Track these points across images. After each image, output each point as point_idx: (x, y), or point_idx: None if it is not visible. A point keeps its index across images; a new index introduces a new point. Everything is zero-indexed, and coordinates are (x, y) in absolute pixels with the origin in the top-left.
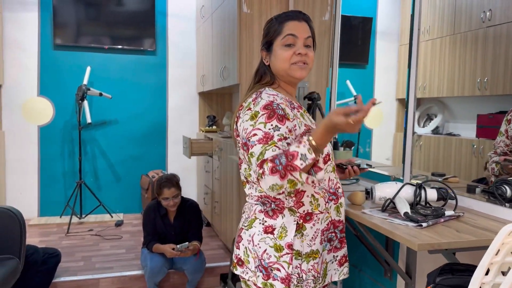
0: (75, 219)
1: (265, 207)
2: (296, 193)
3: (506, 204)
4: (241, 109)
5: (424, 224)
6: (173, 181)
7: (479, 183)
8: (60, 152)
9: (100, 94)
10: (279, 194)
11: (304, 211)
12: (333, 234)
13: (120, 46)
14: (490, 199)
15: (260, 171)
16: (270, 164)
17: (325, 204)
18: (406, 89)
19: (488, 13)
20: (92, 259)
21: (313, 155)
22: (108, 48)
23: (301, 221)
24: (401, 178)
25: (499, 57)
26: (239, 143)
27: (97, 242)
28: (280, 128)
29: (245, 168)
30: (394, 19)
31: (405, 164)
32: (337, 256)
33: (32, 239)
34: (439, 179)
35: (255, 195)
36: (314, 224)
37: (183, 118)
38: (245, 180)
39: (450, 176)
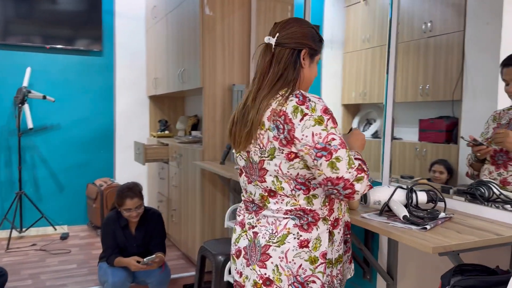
0: (15, 233)
1: (300, 221)
2: (328, 200)
3: (486, 203)
4: (281, 115)
5: (428, 227)
6: (135, 191)
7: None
8: None
9: (44, 97)
10: (352, 198)
11: (333, 217)
12: (348, 236)
13: (62, 46)
14: (468, 199)
15: (361, 175)
16: (365, 168)
17: (343, 208)
18: (384, 93)
19: (429, 24)
20: (40, 276)
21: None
22: (50, 48)
23: (331, 228)
24: (379, 181)
25: (439, 65)
26: (297, 147)
27: (43, 257)
28: (340, 133)
29: (273, 181)
30: (339, 28)
31: (384, 168)
32: (349, 256)
33: None
34: (413, 181)
35: (285, 209)
36: (340, 230)
37: (132, 122)
38: (271, 194)
39: (418, 178)
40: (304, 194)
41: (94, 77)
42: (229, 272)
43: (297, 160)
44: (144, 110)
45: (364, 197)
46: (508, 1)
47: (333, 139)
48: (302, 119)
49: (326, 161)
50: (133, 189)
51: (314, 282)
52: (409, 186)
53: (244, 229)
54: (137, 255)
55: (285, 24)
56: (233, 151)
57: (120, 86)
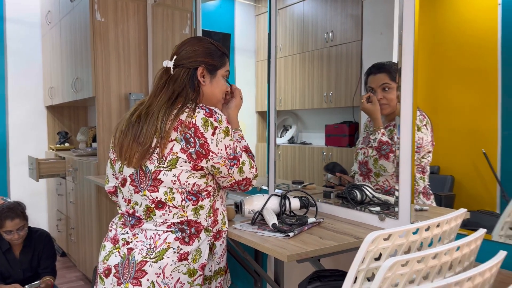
0: None
1: (182, 234)
2: (213, 211)
3: (358, 207)
4: (190, 127)
5: (291, 234)
6: (17, 211)
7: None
8: None
9: None
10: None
11: (216, 229)
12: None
13: None
14: (344, 203)
15: (257, 173)
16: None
17: (226, 219)
18: (267, 102)
19: (330, 34)
20: None
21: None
22: None
23: (213, 240)
24: (266, 188)
25: (340, 73)
26: (212, 161)
27: None
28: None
29: (165, 191)
30: (250, 37)
31: (270, 175)
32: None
33: None
34: (299, 187)
35: (171, 222)
36: (223, 242)
37: (28, 135)
38: (159, 206)
39: (307, 183)
40: (193, 205)
41: None
42: None
43: (201, 172)
44: (41, 121)
45: (240, 207)
46: (396, 14)
47: (237, 146)
48: (214, 133)
49: (237, 168)
50: (13, 209)
51: None
52: (282, 193)
53: (116, 245)
54: (24, 280)
55: (181, 45)
56: (112, 158)
57: (13, 96)
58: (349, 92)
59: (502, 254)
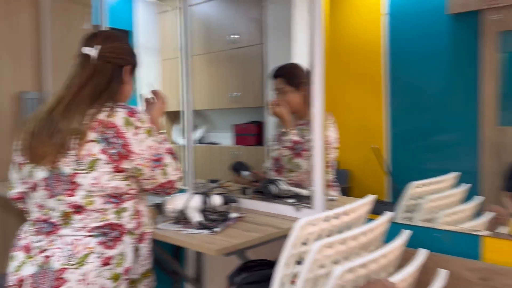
0: None
1: (105, 238)
2: (137, 213)
3: (274, 200)
4: (110, 127)
5: (217, 230)
6: None
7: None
8: None
9: None
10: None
11: (140, 232)
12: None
13: None
14: (262, 198)
15: (181, 175)
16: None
17: (149, 221)
18: (181, 102)
19: (236, 36)
20: None
21: None
22: None
23: (137, 242)
24: (184, 188)
25: (246, 74)
26: (135, 162)
27: None
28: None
29: (84, 195)
30: (153, 35)
31: (188, 174)
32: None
33: None
34: (217, 185)
35: (91, 226)
36: (147, 244)
37: None
38: (77, 210)
39: (224, 181)
40: (114, 208)
41: None
42: None
43: (123, 174)
44: None
45: (161, 207)
46: (294, 19)
47: (160, 147)
48: (136, 133)
49: (161, 169)
50: None
51: None
52: (204, 191)
53: (29, 254)
54: None
55: (107, 37)
56: (18, 161)
57: None
58: (256, 93)
59: (406, 232)
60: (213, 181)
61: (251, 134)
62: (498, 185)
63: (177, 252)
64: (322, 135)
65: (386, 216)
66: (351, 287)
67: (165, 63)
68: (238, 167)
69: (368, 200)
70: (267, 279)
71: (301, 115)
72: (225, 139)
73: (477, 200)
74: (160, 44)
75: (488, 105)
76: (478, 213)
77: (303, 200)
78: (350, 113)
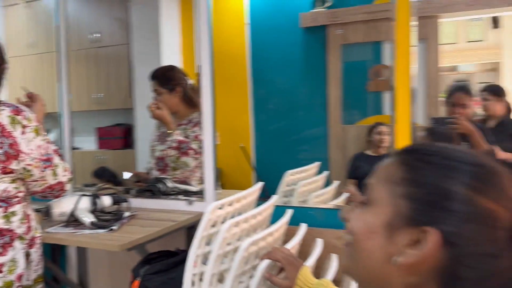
0: None
1: None
2: (26, 217)
3: (164, 197)
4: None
5: (115, 228)
6: None
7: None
8: None
9: None
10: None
11: (31, 236)
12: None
13: None
14: (151, 196)
15: (70, 176)
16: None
17: (38, 225)
18: (59, 103)
19: (98, 35)
20: None
21: None
22: None
23: (28, 248)
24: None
25: (111, 75)
26: (24, 162)
27: None
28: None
29: None
30: None
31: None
32: None
33: None
34: (96, 188)
35: None
36: (38, 248)
37: None
38: None
39: (102, 184)
40: (3, 212)
41: None
42: None
43: (11, 175)
44: None
45: (47, 211)
46: (162, 21)
47: (49, 147)
48: (23, 132)
49: (51, 170)
50: None
51: None
52: (92, 193)
53: None
54: None
55: None
56: None
57: None
58: (122, 94)
59: (289, 211)
60: (89, 185)
61: (117, 137)
62: (345, 173)
63: (57, 257)
64: (212, 134)
65: (273, 199)
66: (254, 258)
67: (11, 61)
68: (101, 173)
69: (256, 188)
70: (171, 267)
71: (181, 115)
72: (88, 143)
73: (335, 184)
74: (6, 41)
75: (334, 107)
76: (338, 194)
77: (191, 195)
78: (221, 115)
